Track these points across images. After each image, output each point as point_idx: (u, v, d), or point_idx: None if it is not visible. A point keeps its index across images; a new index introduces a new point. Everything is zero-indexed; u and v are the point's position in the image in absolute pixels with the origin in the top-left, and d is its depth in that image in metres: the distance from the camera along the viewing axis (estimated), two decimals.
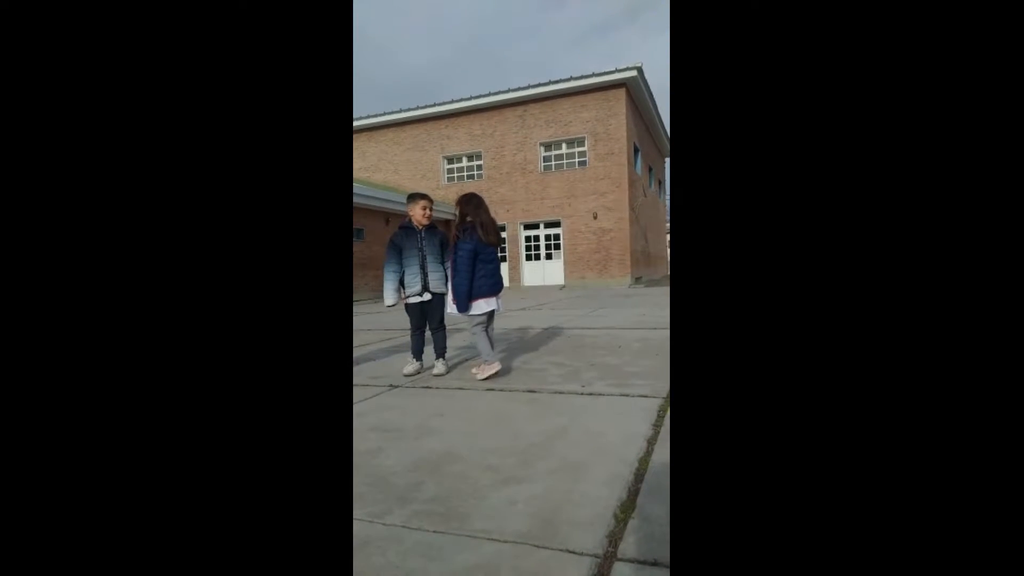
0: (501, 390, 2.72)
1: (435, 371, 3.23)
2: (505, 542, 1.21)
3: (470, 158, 16.27)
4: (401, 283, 3.25)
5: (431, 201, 3.31)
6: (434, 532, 1.27)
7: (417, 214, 3.24)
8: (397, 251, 3.24)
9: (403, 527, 1.31)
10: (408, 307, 3.30)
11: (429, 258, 3.24)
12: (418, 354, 3.32)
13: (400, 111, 16.54)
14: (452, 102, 15.85)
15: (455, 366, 3.48)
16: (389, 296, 3.23)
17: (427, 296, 3.25)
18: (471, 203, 3.06)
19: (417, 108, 16.31)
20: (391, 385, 2.97)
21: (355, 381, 3.11)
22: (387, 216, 13.50)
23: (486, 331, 3.06)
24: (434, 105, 16.08)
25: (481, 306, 3.02)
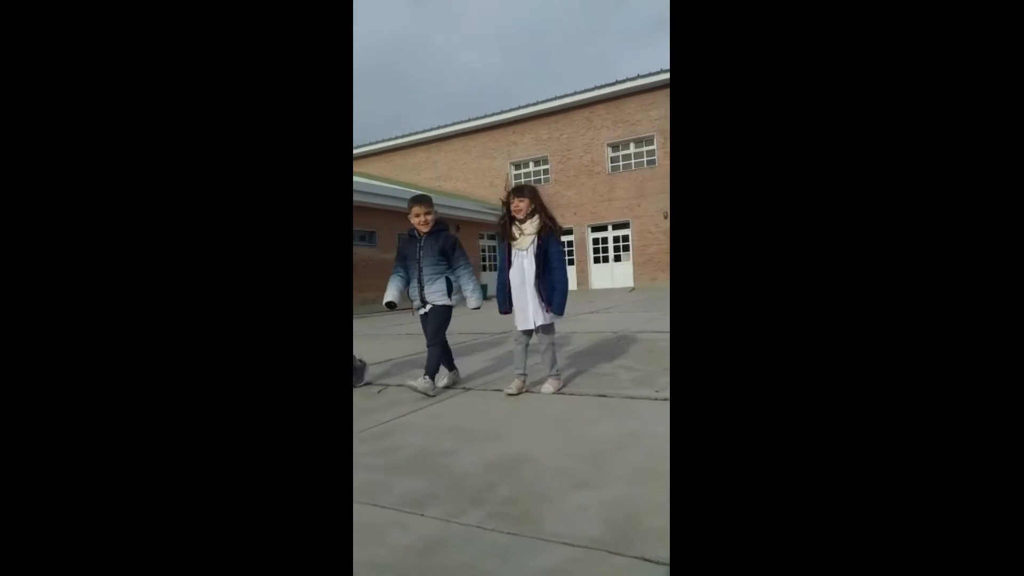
0: (571, 394, 2.71)
1: (414, 384, 2.83)
2: (578, 547, 1.21)
3: (537, 163, 16.34)
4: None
5: (426, 205, 2.99)
6: (508, 534, 1.30)
7: (412, 221, 3.00)
8: (402, 258, 3.07)
9: (478, 527, 1.34)
10: (421, 320, 3.08)
11: (426, 269, 2.94)
12: (448, 365, 3.12)
13: (469, 120, 16.92)
14: (518, 108, 16.01)
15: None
16: (388, 293, 3.05)
17: (427, 308, 2.98)
18: (538, 196, 2.83)
19: (485, 116, 16.61)
20: (464, 388, 3.04)
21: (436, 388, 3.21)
22: (457, 224, 13.83)
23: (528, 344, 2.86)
24: (501, 112, 16.31)
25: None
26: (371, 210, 11.49)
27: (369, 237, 11.79)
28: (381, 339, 5.80)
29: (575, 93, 15.03)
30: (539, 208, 2.79)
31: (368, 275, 11.05)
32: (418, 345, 5.15)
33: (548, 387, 2.79)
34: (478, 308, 3.08)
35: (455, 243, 3.03)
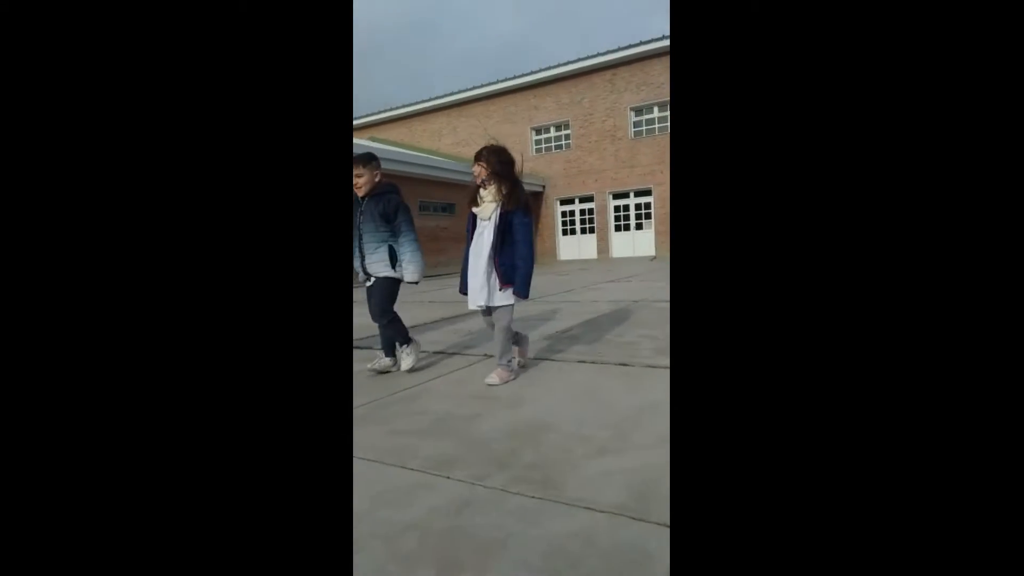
0: (593, 362, 2.73)
1: (402, 367, 2.72)
2: (601, 512, 1.24)
3: (558, 128, 16.03)
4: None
5: (360, 165, 2.65)
6: (532, 498, 1.33)
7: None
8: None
9: (503, 491, 1.38)
10: (367, 292, 2.79)
11: (366, 236, 2.67)
12: (388, 349, 2.75)
13: (489, 84, 16.59)
14: (540, 71, 15.62)
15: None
16: None
17: (371, 280, 2.73)
18: (500, 158, 2.44)
19: (505, 80, 16.26)
20: (485, 355, 3.08)
21: (450, 349, 3.27)
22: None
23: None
24: (522, 75, 15.94)
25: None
26: (390, 176, 11.45)
27: None
28: (403, 306, 5.87)
29: (598, 54, 14.58)
30: (497, 172, 2.41)
31: None
32: (438, 311, 5.22)
33: (493, 378, 2.42)
34: (416, 282, 2.74)
35: (398, 206, 2.68)
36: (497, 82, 16.43)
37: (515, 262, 2.40)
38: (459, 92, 17.25)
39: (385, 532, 1.21)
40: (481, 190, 2.47)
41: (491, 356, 3.03)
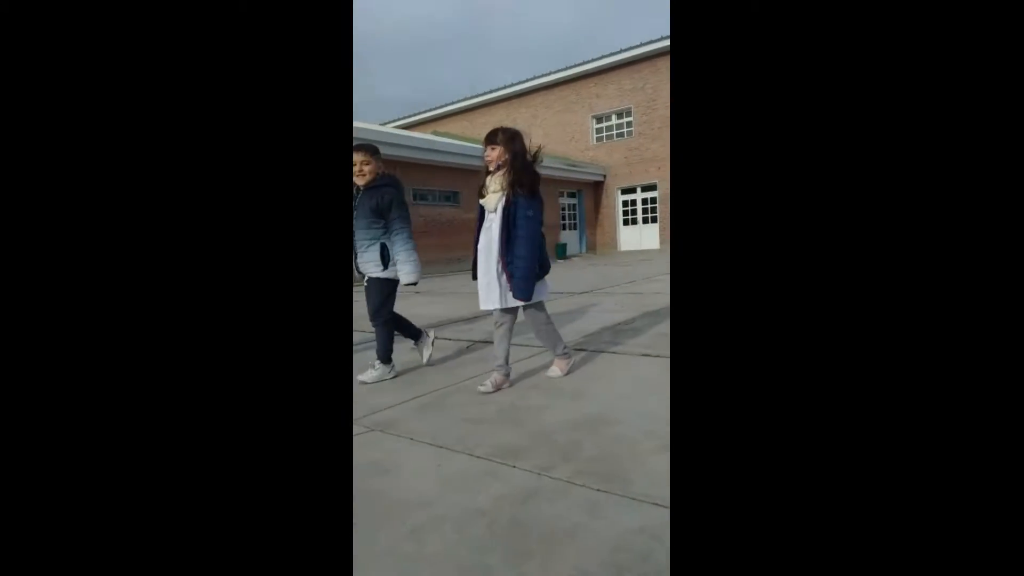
0: (656, 356, 2.69)
1: (361, 377, 2.51)
2: (668, 508, 1.23)
3: (619, 115, 15.69)
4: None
5: (362, 153, 2.45)
6: (598, 491, 1.34)
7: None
8: None
9: (568, 482, 1.40)
10: (365, 292, 2.64)
11: (359, 232, 2.49)
12: (384, 356, 2.54)
13: (549, 73, 16.47)
14: (601, 58, 15.33)
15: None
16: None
17: (366, 279, 2.57)
18: (517, 142, 2.22)
19: (565, 68, 16.08)
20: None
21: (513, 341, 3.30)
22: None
23: (510, 330, 2.35)
24: (582, 63, 15.70)
25: (545, 287, 2.36)
26: (454, 170, 11.65)
27: (453, 197, 12.01)
28: (465, 296, 5.99)
29: (662, 38, 14.11)
30: (513, 157, 2.19)
31: (452, 233, 11.35)
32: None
33: (555, 370, 2.42)
34: (414, 283, 2.50)
35: (393, 200, 2.45)
36: (557, 71, 16.28)
37: (512, 259, 2.19)
38: (518, 83, 17.22)
39: (456, 516, 1.26)
40: (488, 178, 2.25)
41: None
